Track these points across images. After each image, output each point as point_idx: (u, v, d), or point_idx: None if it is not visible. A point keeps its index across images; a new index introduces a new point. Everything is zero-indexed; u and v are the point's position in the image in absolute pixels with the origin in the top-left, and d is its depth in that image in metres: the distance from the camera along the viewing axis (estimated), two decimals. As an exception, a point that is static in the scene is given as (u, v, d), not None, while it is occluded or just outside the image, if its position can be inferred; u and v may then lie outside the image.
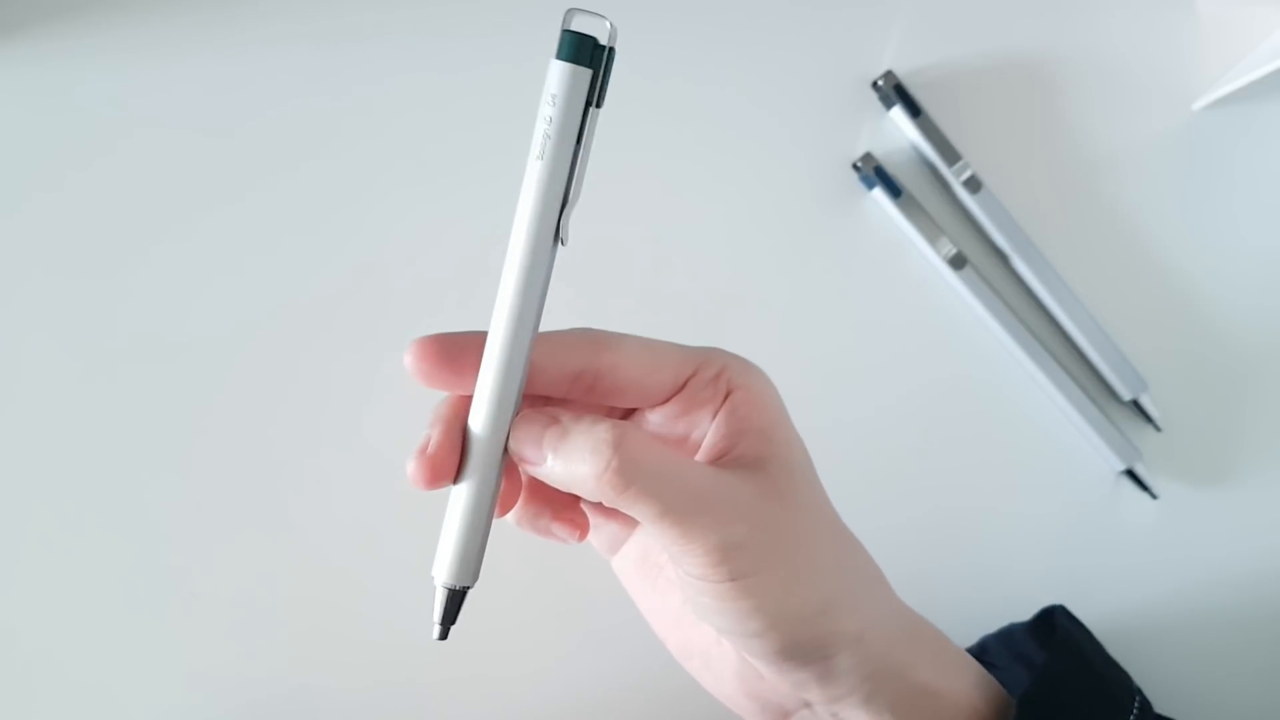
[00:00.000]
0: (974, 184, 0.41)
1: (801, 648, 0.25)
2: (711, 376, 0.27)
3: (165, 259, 0.42)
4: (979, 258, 0.42)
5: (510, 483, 0.27)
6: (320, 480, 0.42)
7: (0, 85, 0.41)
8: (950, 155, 0.41)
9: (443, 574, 0.26)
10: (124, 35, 0.41)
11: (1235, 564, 0.43)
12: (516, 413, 0.25)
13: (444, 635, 0.26)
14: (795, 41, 0.42)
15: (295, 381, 0.42)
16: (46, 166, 0.42)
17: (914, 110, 0.41)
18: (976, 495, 0.43)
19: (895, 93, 0.41)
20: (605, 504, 0.24)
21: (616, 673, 0.42)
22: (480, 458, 0.25)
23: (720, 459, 0.26)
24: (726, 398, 0.27)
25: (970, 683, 0.29)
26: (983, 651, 0.37)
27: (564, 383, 0.26)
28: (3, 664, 0.41)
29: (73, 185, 0.42)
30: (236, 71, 0.42)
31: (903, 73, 0.42)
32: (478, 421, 0.25)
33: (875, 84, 0.42)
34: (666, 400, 0.27)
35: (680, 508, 0.23)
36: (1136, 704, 0.31)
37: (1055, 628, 0.34)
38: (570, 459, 0.24)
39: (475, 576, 0.26)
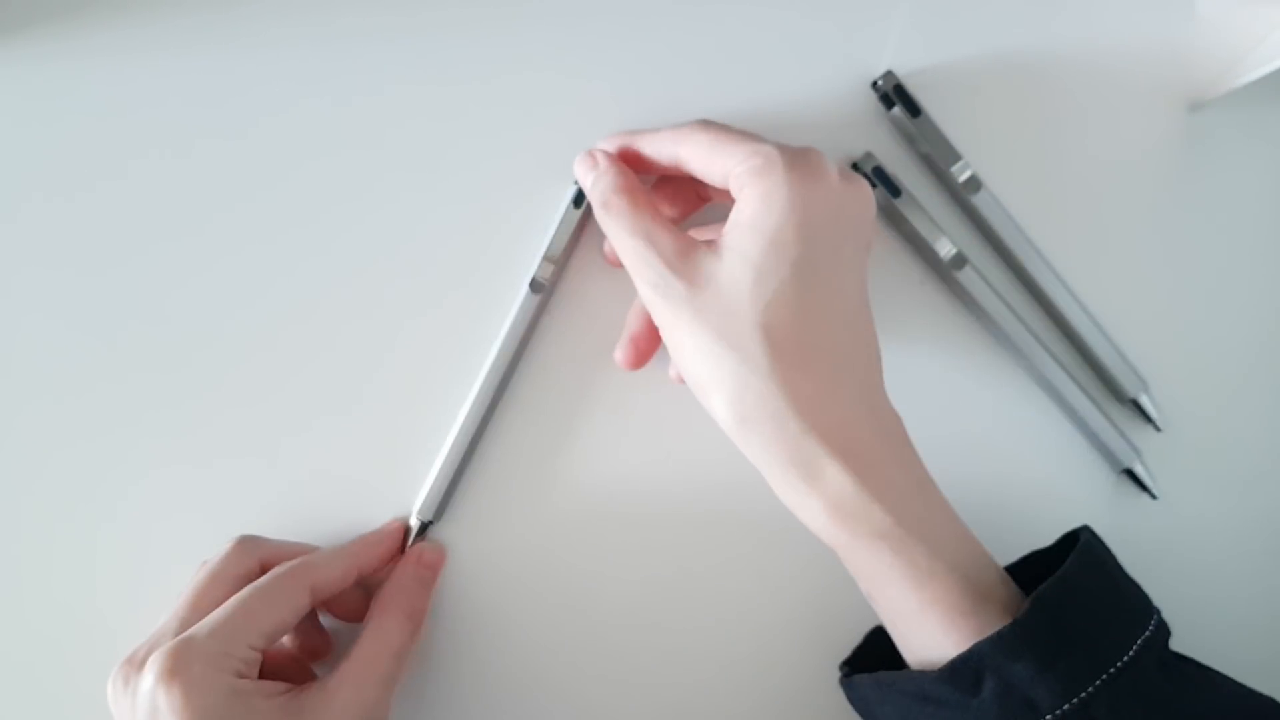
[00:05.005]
0: (974, 184, 0.41)
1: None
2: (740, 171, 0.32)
3: (163, 258, 0.42)
4: (979, 258, 0.42)
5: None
6: (317, 480, 0.42)
7: (0, 85, 0.41)
8: (950, 155, 0.41)
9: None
10: (124, 35, 0.41)
11: (1235, 564, 0.43)
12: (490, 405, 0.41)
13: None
14: (795, 42, 0.42)
15: (292, 381, 0.42)
16: (46, 166, 0.42)
17: (914, 110, 0.41)
18: (975, 495, 0.43)
19: (895, 93, 0.41)
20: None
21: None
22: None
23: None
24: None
25: (980, 560, 0.32)
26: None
27: (666, 167, 0.36)
28: (5, 662, 0.41)
29: (72, 185, 0.42)
30: (236, 72, 0.42)
31: (903, 73, 0.42)
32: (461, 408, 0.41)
33: (875, 84, 0.42)
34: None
35: None
36: (1154, 622, 0.31)
37: (1078, 540, 0.34)
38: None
39: (433, 514, 0.40)
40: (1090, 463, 0.43)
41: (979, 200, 0.41)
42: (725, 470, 0.42)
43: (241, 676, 0.32)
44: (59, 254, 0.42)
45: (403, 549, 0.41)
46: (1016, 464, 0.43)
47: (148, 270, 0.42)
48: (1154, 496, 0.42)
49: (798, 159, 0.32)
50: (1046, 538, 0.36)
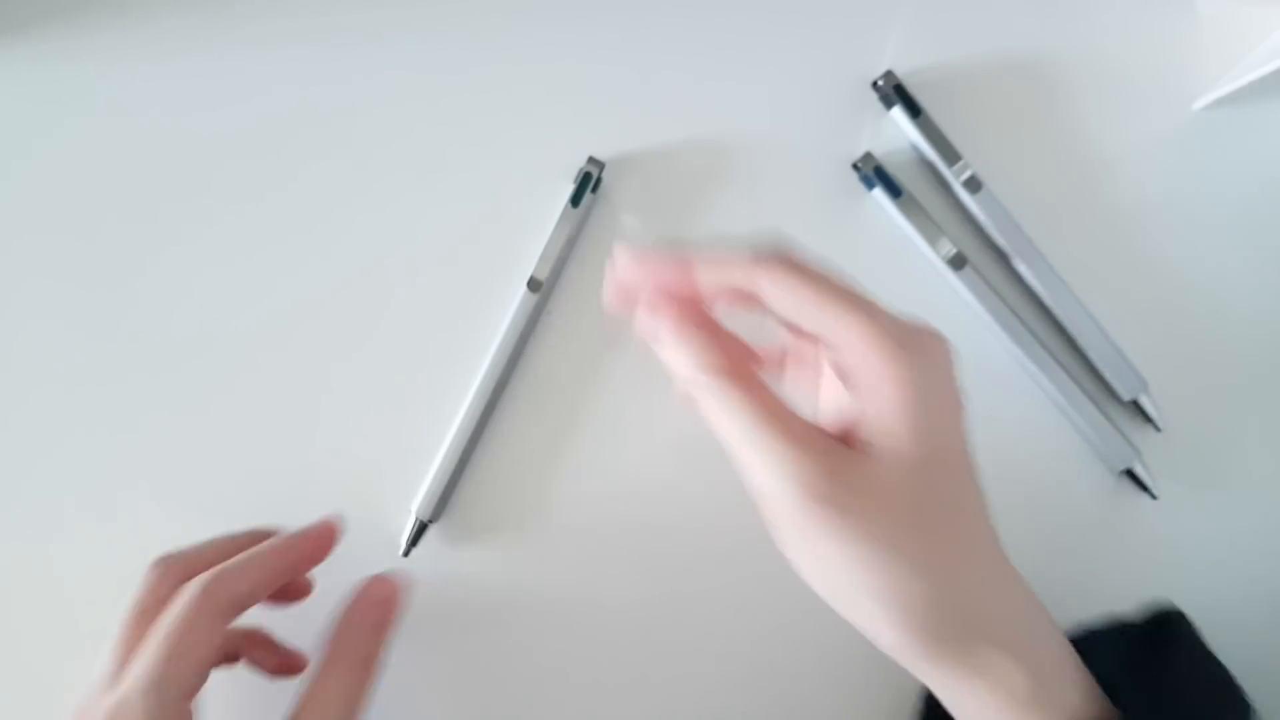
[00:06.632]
0: (974, 184, 0.41)
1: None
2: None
3: (163, 258, 0.42)
4: (979, 258, 0.42)
5: None
6: (316, 479, 0.42)
7: (0, 85, 0.42)
8: (950, 155, 0.41)
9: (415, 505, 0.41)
10: (124, 35, 0.41)
11: (1235, 564, 0.43)
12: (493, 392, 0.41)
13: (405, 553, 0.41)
14: (795, 42, 0.42)
15: (291, 381, 0.42)
16: (45, 166, 0.42)
17: (914, 110, 0.41)
18: (976, 495, 0.43)
19: (895, 93, 0.41)
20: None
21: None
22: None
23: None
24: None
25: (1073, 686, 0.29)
26: (1086, 640, 0.35)
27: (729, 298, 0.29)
28: (9, 658, 0.41)
29: (72, 185, 0.42)
30: (235, 70, 0.42)
31: (903, 73, 0.42)
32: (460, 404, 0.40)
33: (875, 84, 0.42)
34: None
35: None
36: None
37: (1174, 649, 0.33)
38: None
39: (431, 514, 0.40)
40: (1090, 463, 0.43)
41: (979, 200, 0.41)
42: (725, 469, 0.42)
43: None
44: (57, 252, 0.42)
45: (329, 546, 0.37)
46: (1016, 464, 0.43)
47: (148, 270, 0.42)
48: (1154, 496, 0.42)
49: (924, 343, 0.29)
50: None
